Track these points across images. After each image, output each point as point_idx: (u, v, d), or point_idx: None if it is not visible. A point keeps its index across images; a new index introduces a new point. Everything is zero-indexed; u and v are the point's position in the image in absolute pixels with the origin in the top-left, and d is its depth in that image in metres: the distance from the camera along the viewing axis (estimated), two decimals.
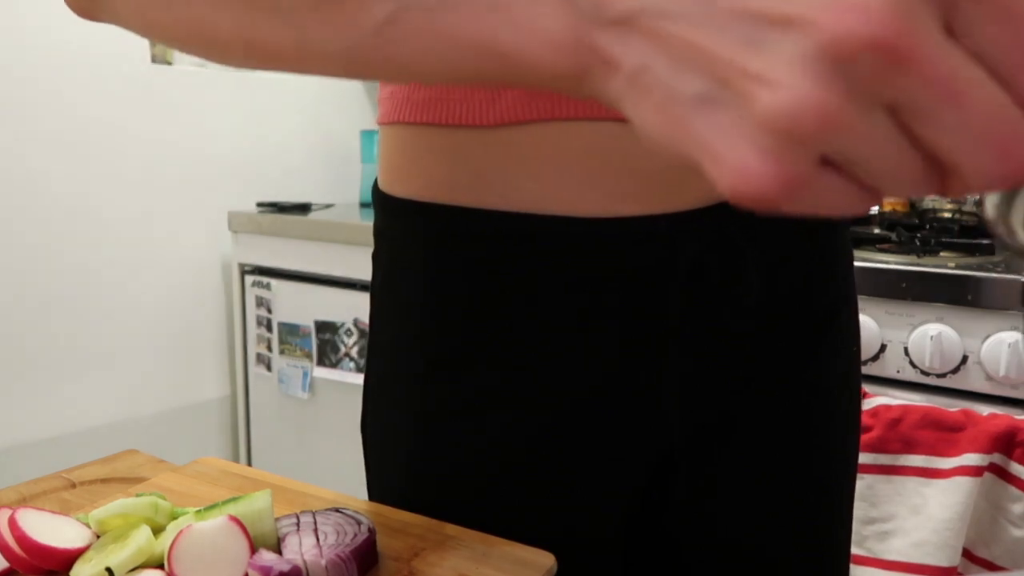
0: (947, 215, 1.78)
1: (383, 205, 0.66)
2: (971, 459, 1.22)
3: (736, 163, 0.27)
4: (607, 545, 0.67)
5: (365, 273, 2.13)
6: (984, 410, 1.24)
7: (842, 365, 0.72)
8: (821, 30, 0.25)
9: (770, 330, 0.66)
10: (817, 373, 0.70)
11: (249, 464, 2.36)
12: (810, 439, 0.70)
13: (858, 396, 0.76)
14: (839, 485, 0.75)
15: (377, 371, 0.72)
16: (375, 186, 0.69)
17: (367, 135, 2.51)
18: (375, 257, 0.72)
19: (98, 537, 0.60)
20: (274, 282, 2.19)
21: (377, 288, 0.72)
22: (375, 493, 0.74)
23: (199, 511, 0.60)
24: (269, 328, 2.22)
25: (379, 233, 0.69)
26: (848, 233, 0.75)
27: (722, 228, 0.61)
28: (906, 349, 1.32)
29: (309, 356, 2.12)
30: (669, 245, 0.60)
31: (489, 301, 0.60)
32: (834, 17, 0.25)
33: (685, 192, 0.59)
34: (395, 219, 0.64)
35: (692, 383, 0.64)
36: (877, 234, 1.58)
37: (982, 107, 0.25)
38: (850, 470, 0.76)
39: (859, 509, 1.30)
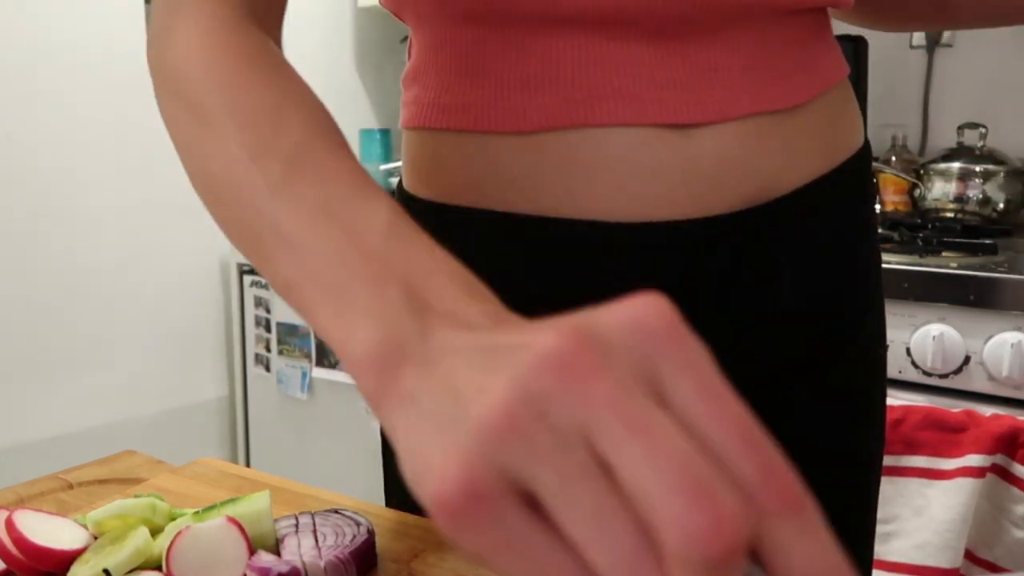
0: (949, 215, 1.78)
1: (408, 207, 0.65)
2: (973, 460, 1.21)
3: (425, 459, 0.28)
4: None
5: None
6: (986, 411, 1.24)
7: (869, 368, 0.73)
8: (530, 352, 0.26)
9: (799, 336, 0.66)
10: (845, 377, 0.70)
11: (248, 465, 2.36)
12: (837, 444, 0.71)
13: (884, 398, 0.76)
14: (865, 489, 0.75)
15: None
16: (399, 187, 0.69)
17: (367, 134, 2.51)
18: None
19: (96, 538, 0.59)
20: None
21: None
22: (395, 498, 0.74)
23: (197, 512, 0.60)
24: (268, 328, 2.21)
25: None
26: (878, 241, 0.76)
27: (755, 233, 0.61)
28: (908, 349, 1.32)
29: (308, 356, 2.12)
30: (700, 250, 0.60)
31: (517, 307, 0.60)
32: (539, 339, 0.27)
33: (716, 197, 0.59)
34: (420, 221, 0.64)
35: None
36: (879, 234, 1.58)
37: (671, 449, 0.25)
38: (875, 473, 0.77)
39: None
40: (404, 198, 0.67)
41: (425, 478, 0.28)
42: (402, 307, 0.35)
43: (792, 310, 0.65)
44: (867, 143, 0.73)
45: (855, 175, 0.69)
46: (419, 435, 0.29)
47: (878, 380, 0.75)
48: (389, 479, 0.77)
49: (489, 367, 0.28)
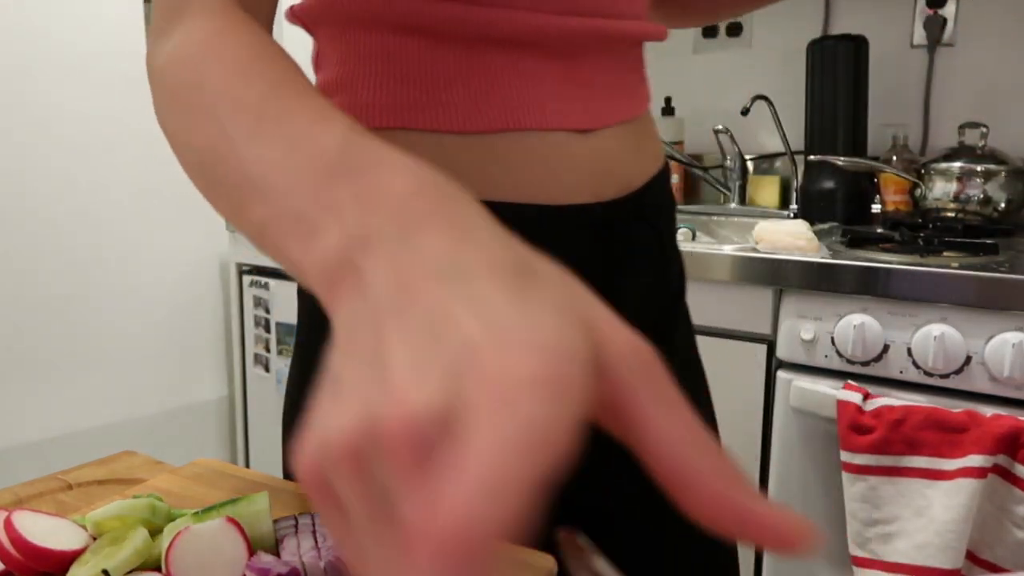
0: (950, 214, 1.78)
1: None
2: (975, 460, 1.21)
3: (325, 410, 0.31)
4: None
5: None
6: (988, 411, 1.24)
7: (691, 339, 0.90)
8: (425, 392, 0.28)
9: (669, 301, 0.83)
10: (687, 342, 0.88)
11: (247, 465, 2.36)
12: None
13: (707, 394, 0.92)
14: None
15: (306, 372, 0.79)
16: None
17: None
18: None
19: (95, 539, 0.59)
20: (272, 282, 2.19)
21: None
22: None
23: (197, 513, 0.60)
24: (267, 328, 2.21)
25: None
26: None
27: (640, 210, 0.77)
28: (909, 349, 1.32)
29: None
30: (607, 225, 0.75)
31: None
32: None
33: (608, 185, 0.75)
34: None
35: None
36: (880, 233, 1.58)
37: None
38: None
39: (862, 511, 1.30)
40: None
41: (316, 423, 0.30)
42: (353, 214, 0.38)
43: (666, 275, 0.82)
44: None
45: (667, 174, 0.86)
46: (342, 374, 0.32)
47: (700, 372, 0.90)
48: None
49: (420, 361, 0.29)
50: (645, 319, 0.73)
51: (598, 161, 0.73)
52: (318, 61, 0.74)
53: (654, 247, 0.80)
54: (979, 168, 1.76)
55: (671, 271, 0.83)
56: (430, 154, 0.67)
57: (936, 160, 1.82)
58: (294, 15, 0.74)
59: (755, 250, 1.47)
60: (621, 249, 0.77)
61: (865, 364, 1.36)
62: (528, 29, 0.68)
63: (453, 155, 0.68)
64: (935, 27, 1.98)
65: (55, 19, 1.94)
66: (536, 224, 0.68)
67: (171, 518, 0.61)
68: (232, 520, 0.56)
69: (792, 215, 2.06)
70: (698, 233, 1.86)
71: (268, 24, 0.63)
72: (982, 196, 1.75)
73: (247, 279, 2.25)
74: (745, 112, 2.06)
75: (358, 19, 0.69)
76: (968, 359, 1.28)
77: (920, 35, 2.02)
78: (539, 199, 0.70)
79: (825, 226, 1.83)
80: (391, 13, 0.67)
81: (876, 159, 1.97)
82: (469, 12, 0.67)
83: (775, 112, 2.09)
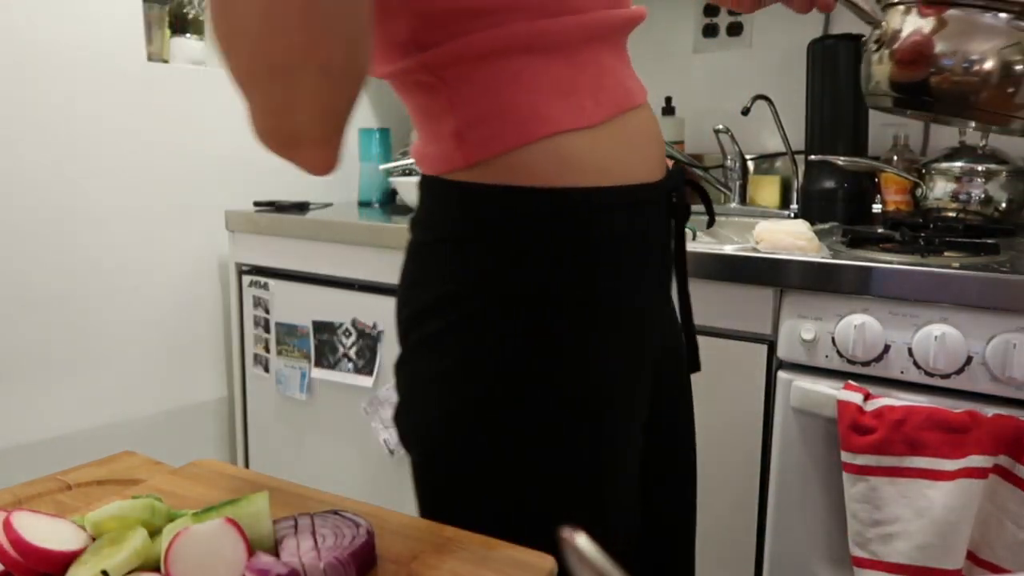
0: (951, 214, 1.78)
1: (542, 200, 0.79)
2: (976, 461, 1.21)
3: None
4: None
5: (363, 273, 2.12)
6: (989, 411, 1.24)
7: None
8: None
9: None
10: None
11: (246, 466, 2.36)
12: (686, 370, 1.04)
13: None
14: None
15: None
16: (519, 192, 0.79)
17: (365, 133, 2.50)
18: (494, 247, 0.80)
19: (94, 540, 0.59)
20: (271, 282, 2.18)
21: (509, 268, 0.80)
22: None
23: (196, 513, 0.60)
24: (267, 328, 2.21)
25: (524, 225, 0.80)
26: None
27: (677, 186, 0.92)
28: (910, 350, 1.31)
29: (307, 357, 2.11)
30: (666, 197, 0.90)
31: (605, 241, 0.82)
32: None
33: (661, 158, 0.90)
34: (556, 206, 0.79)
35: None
36: (881, 233, 1.58)
37: None
38: None
39: (863, 511, 1.30)
40: (536, 196, 0.79)
41: None
42: None
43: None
44: None
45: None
46: None
47: None
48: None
49: None
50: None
51: (656, 134, 0.89)
52: (451, 99, 0.79)
53: (685, 215, 0.95)
54: (980, 168, 1.76)
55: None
56: (573, 150, 0.78)
57: (937, 160, 1.82)
58: (422, 67, 0.78)
59: (755, 250, 1.47)
60: (678, 221, 0.94)
61: (866, 364, 1.35)
62: (611, 23, 0.83)
63: (592, 146, 0.79)
64: None
65: (55, 19, 1.94)
66: (643, 201, 0.85)
67: (170, 518, 0.61)
68: (231, 521, 0.56)
69: (793, 215, 2.06)
70: (698, 233, 1.86)
71: None
72: (983, 196, 1.75)
73: (246, 279, 2.25)
74: (746, 112, 2.06)
75: (488, 52, 0.76)
76: (969, 359, 1.28)
77: None
78: (646, 176, 0.85)
79: (826, 226, 1.83)
80: (516, 39, 0.76)
81: (877, 159, 1.97)
82: (579, 20, 0.79)
83: (775, 112, 2.09)
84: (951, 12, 0.90)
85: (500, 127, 0.78)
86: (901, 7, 0.98)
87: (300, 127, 0.65)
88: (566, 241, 0.79)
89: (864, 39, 1.05)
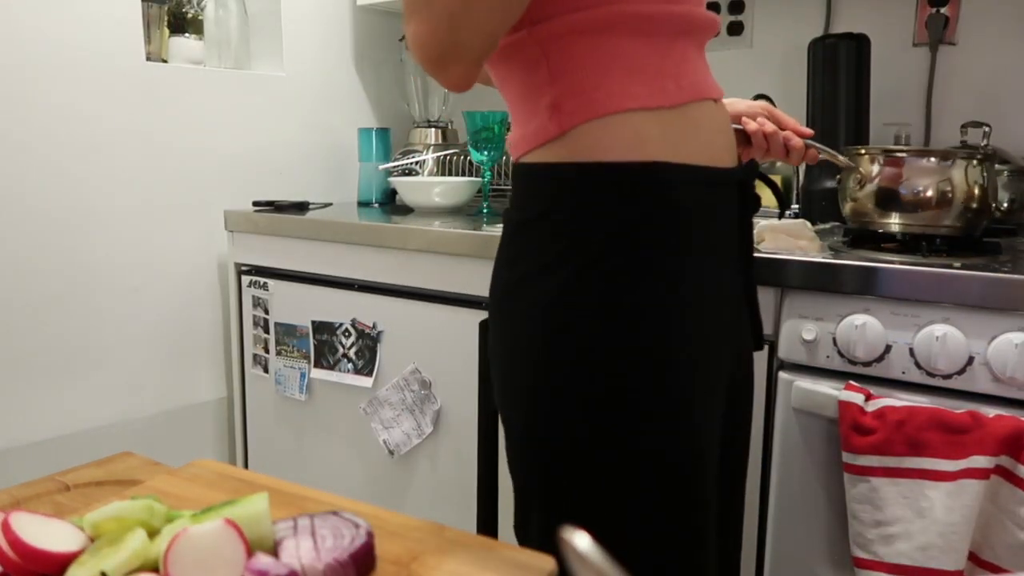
0: None
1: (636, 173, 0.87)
2: (978, 461, 1.21)
3: None
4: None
5: (363, 273, 2.12)
6: (991, 412, 1.23)
7: None
8: None
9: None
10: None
11: (246, 467, 2.35)
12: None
13: None
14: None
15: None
16: (592, 167, 0.88)
17: (364, 133, 2.50)
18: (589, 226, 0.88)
19: (93, 541, 0.59)
20: (271, 282, 2.18)
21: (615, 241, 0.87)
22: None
23: (195, 514, 0.59)
24: (266, 329, 2.21)
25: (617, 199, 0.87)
26: None
27: (747, 181, 1.04)
28: (911, 350, 1.31)
29: (306, 357, 2.11)
30: (733, 189, 0.99)
31: (702, 233, 0.93)
32: None
33: (733, 151, 0.99)
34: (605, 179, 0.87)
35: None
36: (882, 233, 1.57)
37: None
38: None
39: (864, 512, 1.30)
40: (649, 167, 0.88)
41: None
42: None
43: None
44: None
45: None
46: None
47: None
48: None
49: None
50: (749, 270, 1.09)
51: (727, 127, 0.97)
52: (552, 71, 0.88)
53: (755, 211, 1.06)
54: None
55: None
56: (653, 127, 0.86)
57: None
58: (532, 40, 0.88)
59: (756, 250, 1.47)
60: (748, 210, 1.03)
61: (867, 364, 1.35)
62: (698, 21, 0.92)
63: (668, 126, 0.87)
64: (937, 26, 1.97)
65: (53, 18, 1.94)
66: (712, 183, 0.93)
67: (169, 519, 0.61)
68: (231, 521, 0.56)
69: (793, 215, 2.06)
70: None
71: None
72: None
73: (246, 279, 2.25)
74: None
75: (594, 29, 0.85)
76: (971, 359, 1.27)
77: (922, 33, 2.01)
78: (714, 161, 0.93)
79: (827, 226, 1.83)
80: (622, 19, 0.85)
81: None
82: (671, 9, 0.88)
83: None
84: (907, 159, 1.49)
85: (592, 98, 0.86)
86: (867, 156, 1.53)
87: (465, 42, 0.77)
88: (636, 212, 0.86)
89: (840, 177, 1.62)
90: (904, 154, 1.49)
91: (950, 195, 1.45)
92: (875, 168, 1.52)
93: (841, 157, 1.43)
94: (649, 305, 0.86)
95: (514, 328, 0.90)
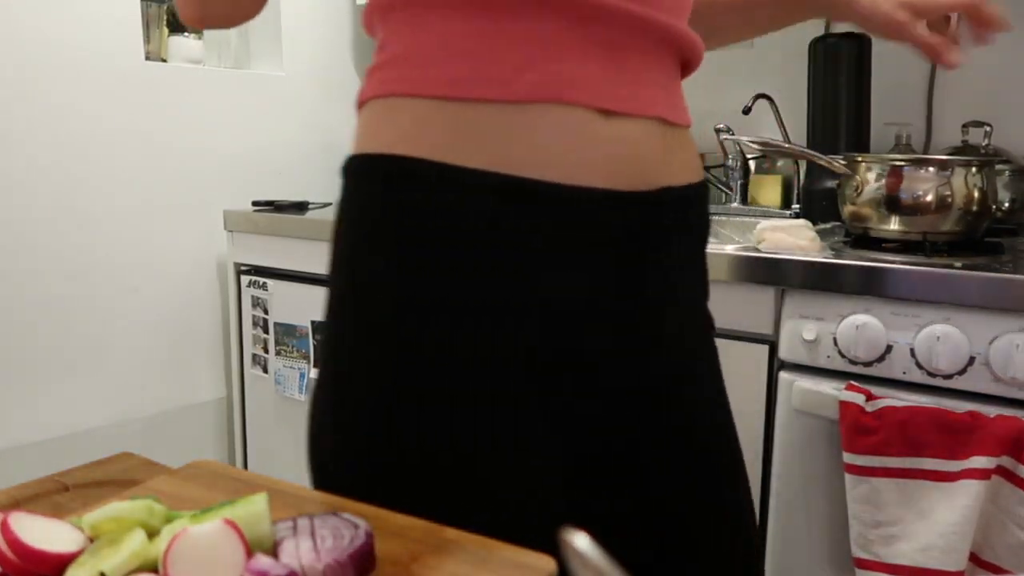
0: None
1: (388, 167, 0.74)
2: (979, 462, 1.21)
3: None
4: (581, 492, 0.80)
5: None
6: (992, 412, 1.23)
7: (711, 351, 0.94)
8: None
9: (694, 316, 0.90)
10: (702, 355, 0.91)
11: (245, 467, 2.35)
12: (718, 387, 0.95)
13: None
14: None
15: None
16: (368, 156, 0.76)
17: None
18: (356, 219, 0.79)
19: (92, 541, 0.59)
20: (270, 282, 2.18)
21: (376, 239, 0.77)
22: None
23: (194, 515, 0.59)
24: (265, 329, 2.20)
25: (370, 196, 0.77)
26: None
27: (659, 210, 0.79)
28: (912, 350, 1.31)
29: (306, 357, 2.11)
30: (625, 215, 0.77)
31: (484, 248, 0.73)
32: None
33: (629, 174, 0.76)
34: (415, 177, 0.73)
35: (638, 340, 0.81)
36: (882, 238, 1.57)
37: None
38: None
39: (865, 513, 1.29)
40: (383, 162, 0.75)
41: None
42: None
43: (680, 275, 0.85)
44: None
45: (703, 196, 0.90)
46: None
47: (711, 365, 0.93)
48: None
49: None
50: (665, 310, 0.84)
51: (618, 145, 0.75)
52: (384, 43, 0.78)
53: (681, 255, 0.85)
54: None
55: (699, 291, 0.92)
56: (470, 121, 0.72)
57: None
58: (373, 7, 0.80)
59: (757, 250, 1.47)
60: (638, 244, 0.79)
61: (868, 365, 1.35)
62: (601, 9, 0.74)
63: (483, 123, 0.72)
64: (938, 25, 1.97)
65: (53, 18, 1.94)
66: (550, 201, 0.73)
67: (169, 520, 0.60)
68: (230, 522, 0.56)
69: (794, 215, 2.06)
70: None
71: None
72: None
73: (245, 279, 2.25)
74: (747, 111, 2.06)
75: (429, 2, 0.74)
76: (972, 360, 1.27)
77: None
78: (553, 176, 0.72)
79: (827, 226, 1.83)
80: None
81: None
82: None
83: (777, 111, 2.09)
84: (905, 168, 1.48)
85: (398, 72, 0.76)
86: (864, 164, 1.53)
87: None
88: (383, 219, 0.75)
89: (838, 184, 1.61)
90: (903, 163, 1.49)
91: (949, 200, 1.45)
92: (873, 176, 1.51)
93: (837, 164, 1.46)
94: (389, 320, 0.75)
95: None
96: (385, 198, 0.74)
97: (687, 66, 0.86)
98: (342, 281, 0.79)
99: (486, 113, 0.71)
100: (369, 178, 0.76)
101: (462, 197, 0.72)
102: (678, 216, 0.83)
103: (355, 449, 0.76)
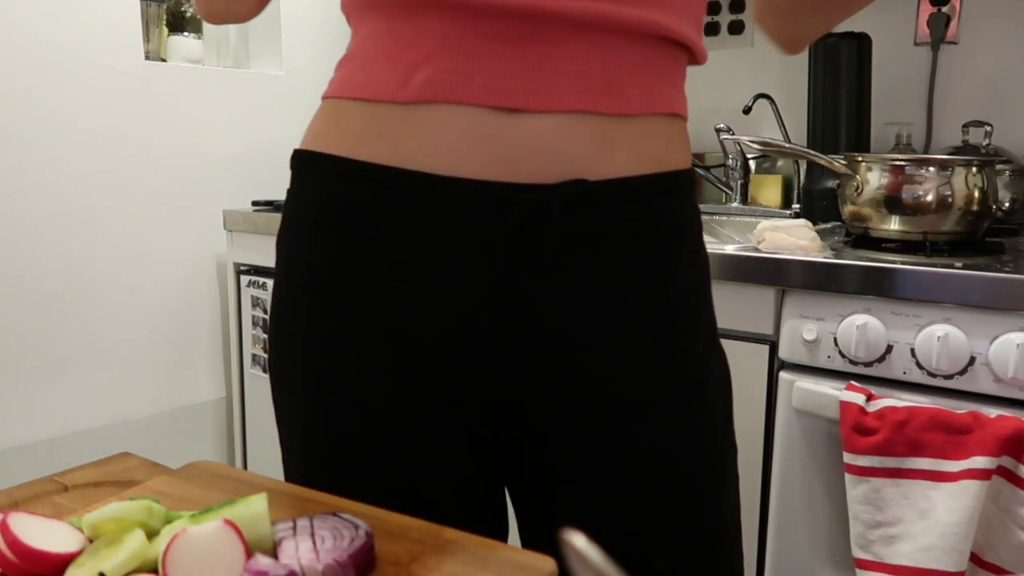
0: None
1: (309, 161, 0.81)
2: (979, 462, 1.20)
3: None
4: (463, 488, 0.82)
5: None
6: (992, 412, 1.23)
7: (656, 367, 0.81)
8: None
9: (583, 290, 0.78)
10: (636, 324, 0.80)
11: (245, 467, 2.35)
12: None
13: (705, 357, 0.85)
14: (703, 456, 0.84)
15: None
16: (300, 150, 0.83)
17: None
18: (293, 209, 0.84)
19: (91, 541, 0.59)
20: (270, 282, 2.18)
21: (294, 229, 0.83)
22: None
23: (194, 515, 0.59)
24: (265, 329, 2.20)
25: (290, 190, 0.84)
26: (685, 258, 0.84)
27: (542, 201, 0.75)
28: (913, 350, 1.31)
29: None
30: (506, 205, 0.74)
31: (375, 237, 0.76)
32: None
33: (529, 168, 0.74)
34: (319, 171, 0.80)
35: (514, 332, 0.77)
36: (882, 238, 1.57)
37: None
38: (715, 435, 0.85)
39: (865, 513, 1.29)
40: (305, 156, 0.81)
41: None
42: None
43: (575, 278, 0.77)
44: (691, 171, 0.85)
45: (669, 189, 0.81)
46: None
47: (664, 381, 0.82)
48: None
49: None
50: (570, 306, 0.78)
51: (517, 139, 0.74)
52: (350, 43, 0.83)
53: (601, 253, 0.77)
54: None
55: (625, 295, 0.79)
56: (362, 120, 0.76)
57: None
58: (342, 7, 0.83)
59: (757, 250, 1.47)
60: (524, 240, 0.75)
61: (868, 365, 1.35)
62: (476, 6, 0.72)
63: (381, 122, 0.75)
64: (939, 25, 1.97)
65: (52, 17, 1.94)
66: (440, 193, 0.75)
67: (168, 520, 0.60)
68: (230, 522, 0.56)
69: (794, 214, 2.06)
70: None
71: None
72: None
73: (244, 279, 2.24)
74: (747, 111, 2.06)
75: (366, 4, 0.77)
76: (972, 360, 1.27)
77: (924, 33, 2.01)
78: (442, 170, 0.74)
79: (828, 225, 1.83)
80: None
81: None
82: None
83: (777, 110, 2.09)
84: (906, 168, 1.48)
85: (336, 75, 0.82)
86: (864, 164, 1.53)
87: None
88: (293, 207, 0.82)
89: (838, 184, 1.61)
90: (903, 163, 1.49)
91: (950, 200, 1.45)
92: (874, 176, 1.51)
93: (838, 164, 1.44)
94: (282, 306, 0.84)
95: None
96: (295, 187, 0.82)
97: (676, 49, 0.80)
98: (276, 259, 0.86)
99: (385, 112, 0.75)
100: (292, 170, 0.83)
101: (351, 187, 0.77)
102: (599, 209, 0.77)
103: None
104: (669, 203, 0.81)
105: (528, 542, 0.88)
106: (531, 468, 0.84)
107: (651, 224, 0.80)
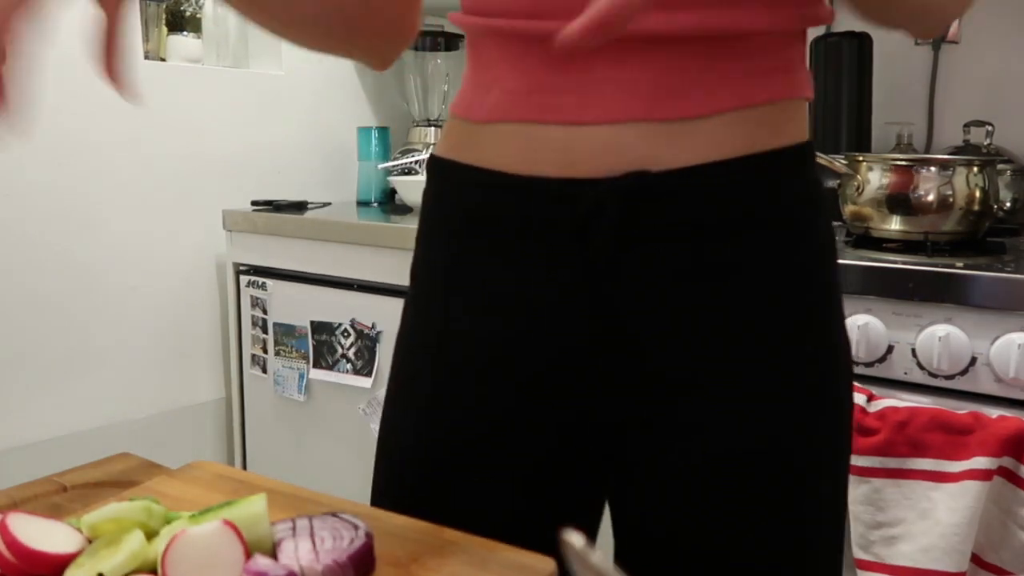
0: None
1: (439, 164, 0.89)
2: (980, 463, 1.20)
3: None
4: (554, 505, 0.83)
5: (362, 273, 2.11)
6: (993, 412, 1.23)
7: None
8: None
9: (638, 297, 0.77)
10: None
11: (244, 468, 2.35)
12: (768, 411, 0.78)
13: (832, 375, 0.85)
14: (816, 468, 0.81)
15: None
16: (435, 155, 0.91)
17: (364, 132, 2.50)
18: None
19: (90, 542, 0.59)
20: (269, 282, 2.18)
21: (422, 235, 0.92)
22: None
23: (193, 515, 0.59)
24: (264, 329, 2.20)
25: (426, 192, 0.91)
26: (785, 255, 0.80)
27: (625, 192, 0.75)
28: (913, 350, 1.31)
29: (305, 358, 2.10)
30: (591, 199, 0.76)
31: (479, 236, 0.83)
32: None
33: (594, 165, 0.75)
34: (441, 173, 0.88)
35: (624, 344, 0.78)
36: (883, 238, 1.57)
37: None
38: (832, 448, 0.84)
39: (866, 513, 1.29)
40: (436, 160, 0.90)
41: None
42: None
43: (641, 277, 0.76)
44: (813, 179, 0.83)
45: (768, 171, 0.78)
46: None
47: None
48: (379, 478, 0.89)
49: None
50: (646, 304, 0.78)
51: (574, 146, 0.76)
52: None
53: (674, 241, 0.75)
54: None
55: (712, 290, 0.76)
56: (458, 134, 0.86)
57: None
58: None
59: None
60: (588, 232, 0.76)
61: (869, 365, 1.35)
62: (524, 32, 0.78)
63: (473, 133, 0.83)
64: None
65: (52, 17, 1.93)
66: (523, 190, 0.79)
67: (167, 521, 0.60)
68: (229, 523, 0.55)
69: None
70: None
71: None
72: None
73: (244, 279, 2.24)
74: None
75: (466, 32, 0.86)
76: (973, 360, 1.27)
77: None
78: (515, 170, 0.79)
79: None
80: (471, 25, 0.83)
81: None
82: (487, 23, 0.81)
83: None
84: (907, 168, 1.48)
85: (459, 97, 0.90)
86: (865, 163, 1.53)
87: None
88: (426, 208, 0.90)
89: (839, 183, 1.59)
90: (904, 163, 1.49)
91: (951, 200, 1.45)
92: (875, 176, 1.51)
93: (838, 163, 1.44)
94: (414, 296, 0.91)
95: None
96: (426, 186, 0.91)
97: (719, 42, 0.75)
98: None
99: (471, 128, 0.83)
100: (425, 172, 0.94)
101: (451, 184, 0.87)
102: (654, 201, 0.75)
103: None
104: (761, 187, 0.77)
105: (628, 561, 0.85)
106: (631, 480, 0.83)
107: (741, 214, 0.76)
